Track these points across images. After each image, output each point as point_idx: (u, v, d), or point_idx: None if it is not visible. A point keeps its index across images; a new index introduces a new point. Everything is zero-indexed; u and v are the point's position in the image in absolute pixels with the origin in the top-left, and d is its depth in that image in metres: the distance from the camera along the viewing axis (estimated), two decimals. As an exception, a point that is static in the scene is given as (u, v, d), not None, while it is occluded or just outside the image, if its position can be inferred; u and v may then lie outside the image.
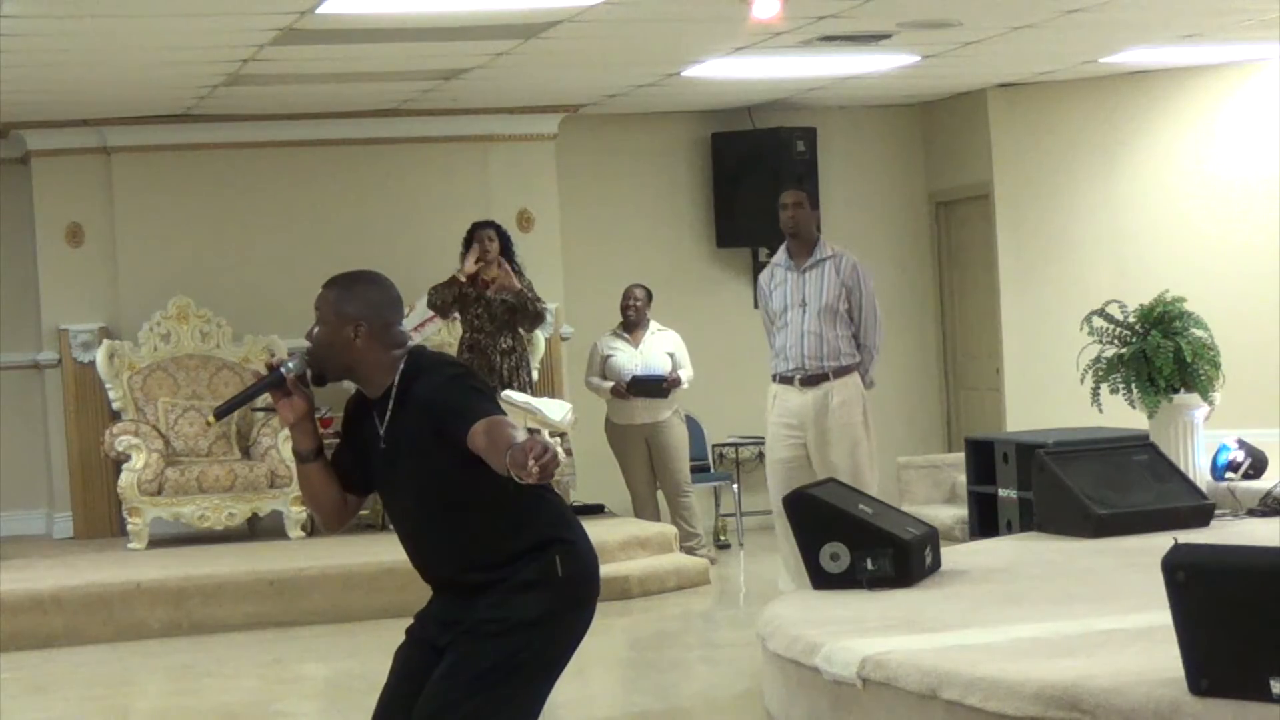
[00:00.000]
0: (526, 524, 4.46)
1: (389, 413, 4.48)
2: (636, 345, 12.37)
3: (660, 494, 12.44)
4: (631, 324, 12.42)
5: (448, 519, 4.45)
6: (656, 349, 12.36)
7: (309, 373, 4.55)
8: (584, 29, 10.04)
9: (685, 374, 12.30)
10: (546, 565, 4.44)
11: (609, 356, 12.34)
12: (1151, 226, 13.34)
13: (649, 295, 12.50)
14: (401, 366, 4.50)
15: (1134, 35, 11.54)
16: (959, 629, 6.62)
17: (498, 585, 4.43)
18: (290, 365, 4.53)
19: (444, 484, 4.41)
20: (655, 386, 12.18)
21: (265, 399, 4.58)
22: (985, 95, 13.64)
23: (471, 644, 4.42)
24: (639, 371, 12.22)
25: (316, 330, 4.54)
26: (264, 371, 4.56)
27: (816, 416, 8.93)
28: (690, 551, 12.08)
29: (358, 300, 4.52)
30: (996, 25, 10.81)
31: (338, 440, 4.70)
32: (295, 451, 4.60)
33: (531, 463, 3.96)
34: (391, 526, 4.68)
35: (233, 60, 10.58)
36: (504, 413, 4.38)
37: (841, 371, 8.96)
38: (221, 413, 4.67)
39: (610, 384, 12.23)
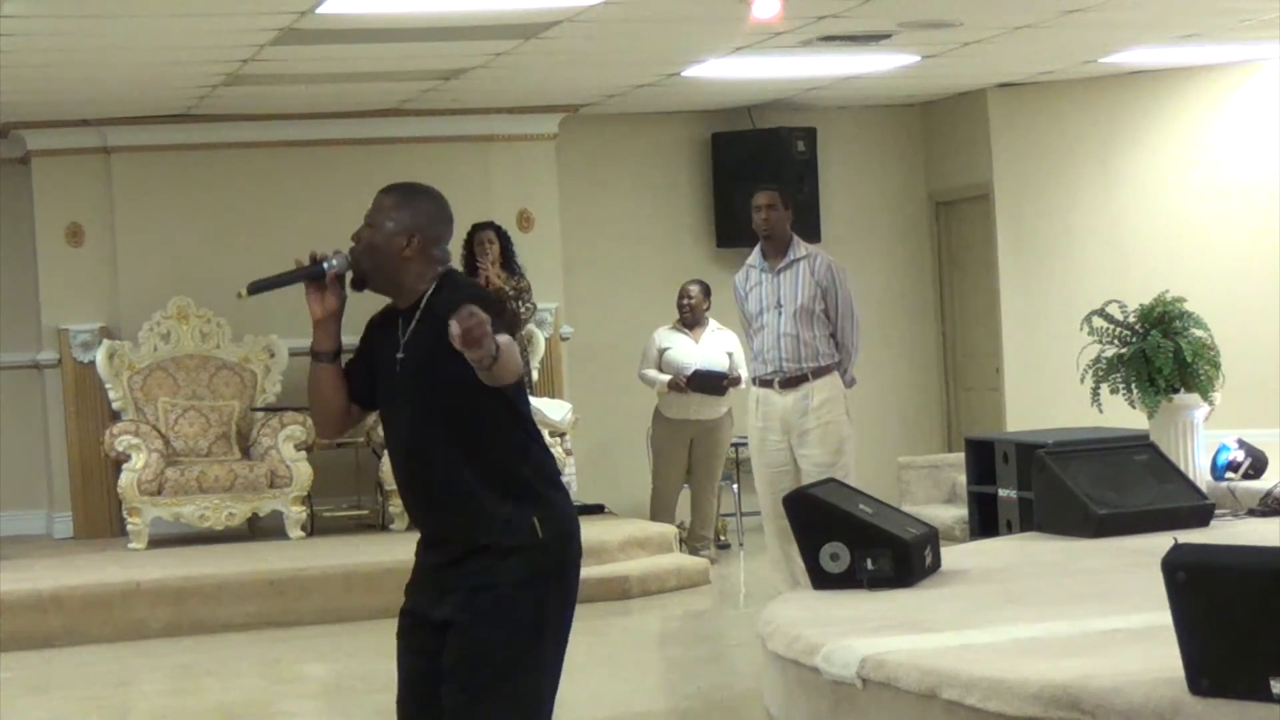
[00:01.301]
0: (517, 460, 4.48)
1: (414, 323, 4.50)
2: (697, 341, 12.30)
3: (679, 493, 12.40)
4: (689, 320, 12.33)
5: (445, 437, 4.45)
6: (717, 347, 12.27)
7: (349, 276, 4.55)
8: (584, 29, 10.05)
9: (744, 373, 12.20)
10: (527, 530, 4.46)
11: (666, 350, 12.21)
12: (1151, 226, 13.34)
13: (706, 291, 12.40)
14: (436, 281, 4.52)
15: (1134, 35, 11.54)
16: (959, 629, 6.62)
17: (482, 554, 4.43)
18: (334, 261, 4.54)
19: (449, 399, 4.42)
20: (715, 383, 12.08)
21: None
22: (985, 95, 13.65)
23: (469, 630, 4.43)
24: (702, 365, 12.11)
25: (366, 234, 4.55)
26: (306, 262, 4.55)
27: (798, 418, 8.86)
28: (694, 550, 12.08)
29: (415, 211, 4.55)
30: (996, 25, 10.81)
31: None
32: (314, 351, 4.58)
33: (454, 324, 4.07)
34: (391, 493, 4.68)
35: (233, 60, 10.59)
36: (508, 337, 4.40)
37: (821, 371, 8.87)
38: (255, 289, 4.62)
39: (667, 377, 12.14)
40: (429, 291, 4.52)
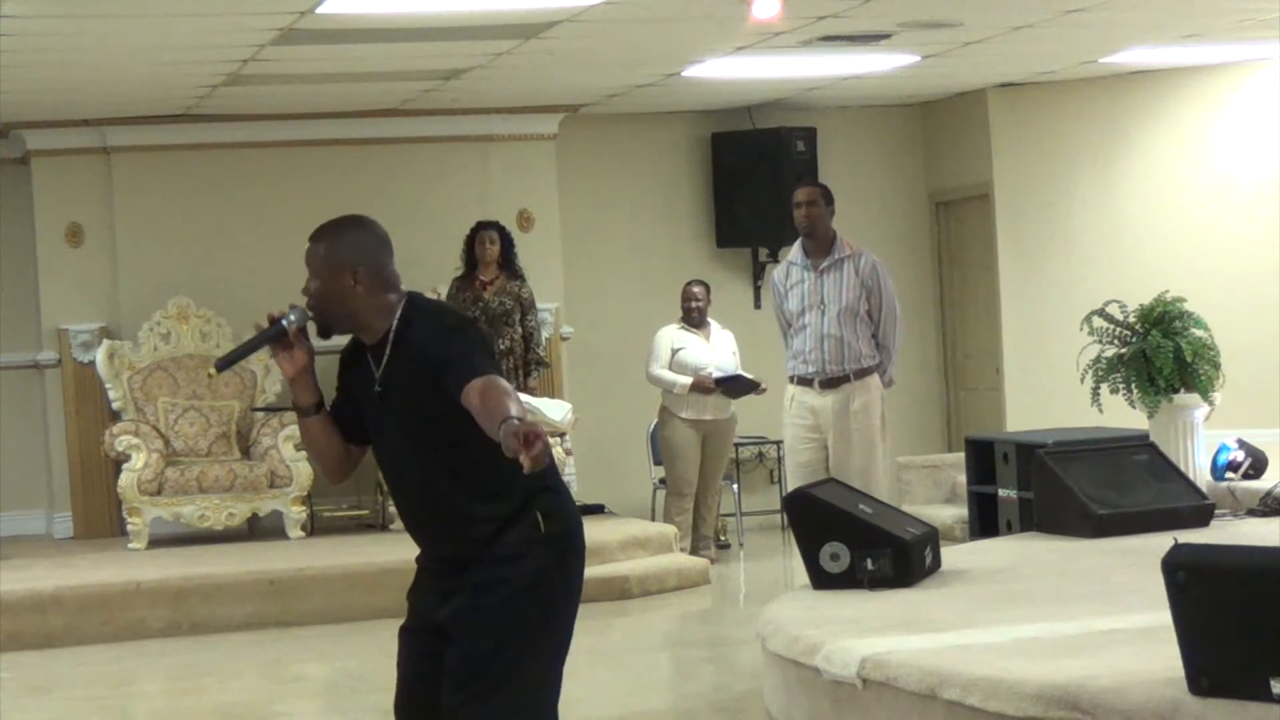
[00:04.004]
0: (513, 470, 4.40)
1: (385, 358, 4.47)
2: (707, 340, 12.26)
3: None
4: (696, 320, 12.26)
5: (439, 464, 4.44)
6: (725, 347, 12.26)
7: (310, 326, 4.53)
8: (584, 29, 10.05)
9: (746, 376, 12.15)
10: (530, 527, 4.44)
11: (679, 350, 12.12)
12: (1151, 226, 13.35)
13: (709, 291, 12.40)
14: (399, 311, 4.49)
15: (1134, 35, 11.55)
16: (959, 629, 6.62)
17: (485, 557, 4.42)
18: (292, 318, 4.51)
19: (436, 429, 4.41)
20: (743, 390, 11.97)
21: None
22: (985, 95, 13.65)
23: (472, 627, 4.42)
24: (715, 366, 12.01)
25: (313, 285, 4.51)
26: (265, 325, 4.53)
27: (837, 419, 8.79)
28: (695, 551, 12.06)
29: (350, 247, 4.50)
30: (996, 25, 10.81)
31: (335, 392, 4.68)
32: (296, 406, 4.58)
33: (524, 458, 3.98)
34: (390, 497, 4.67)
35: (233, 60, 10.59)
36: (499, 368, 4.38)
37: (862, 373, 8.81)
38: (223, 365, 4.62)
39: (687, 379, 11.99)
40: (395, 323, 4.48)
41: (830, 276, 8.83)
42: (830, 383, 8.83)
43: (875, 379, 8.87)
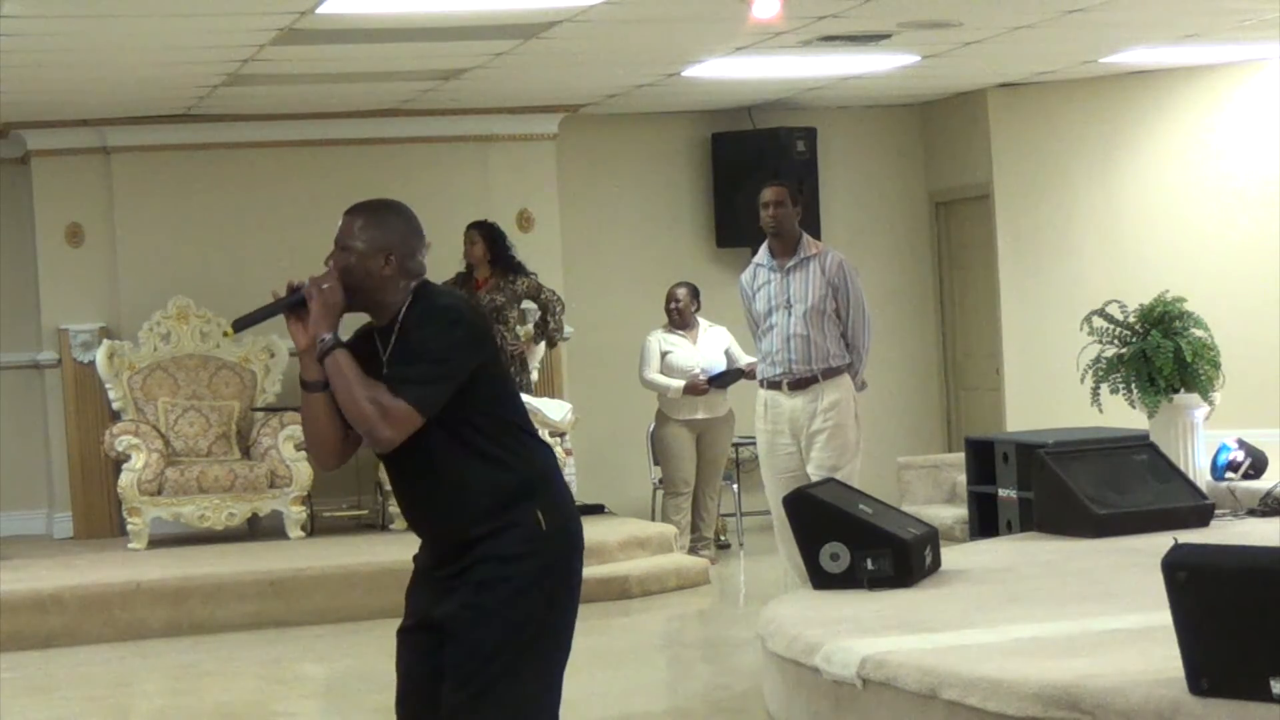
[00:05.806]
0: (513, 460, 4.46)
1: (394, 339, 4.48)
2: (694, 342, 12.25)
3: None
4: (678, 323, 12.26)
5: (438, 449, 4.43)
6: (714, 345, 12.24)
7: None
8: (584, 29, 10.05)
9: (748, 359, 12.13)
10: (532, 524, 4.44)
11: (668, 353, 12.15)
12: (1151, 226, 13.35)
13: (694, 293, 12.33)
14: (410, 296, 4.50)
15: (1134, 35, 11.55)
16: (959, 629, 6.63)
17: (488, 557, 4.41)
18: None
19: (437, 411, 4.39)
20: (736, 379, 12.02)
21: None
22: (985, 95, 13.65)
23: (474, 625, 4.41)
24: (701, 367, 12.05)
25: (342, 259, 4.49)
26: (283, 294, 4.51)
27: (807, 420, 8.64)
28: (693, 551, 12.06)
29: (387, 230, 4.52)
30: (996, 25, 10.81)
31: None
32: (303, 380, 4.51)
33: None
34: (390, 492, 4.65)
35: (233, 60, 10.59)
36: (464, 363, 4.38)
37: (831, 373, 8.63)
38: (240, 325, 4.58)
39: (680, 383, 12.02)
40: (405, 306, 4.49)
41: (796, 275, 8.69)
42: (798, 384, 8.66)
43: (846, 379, 8.67)
